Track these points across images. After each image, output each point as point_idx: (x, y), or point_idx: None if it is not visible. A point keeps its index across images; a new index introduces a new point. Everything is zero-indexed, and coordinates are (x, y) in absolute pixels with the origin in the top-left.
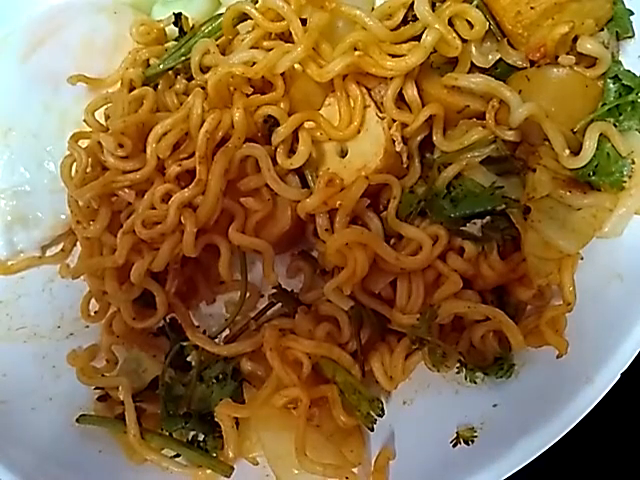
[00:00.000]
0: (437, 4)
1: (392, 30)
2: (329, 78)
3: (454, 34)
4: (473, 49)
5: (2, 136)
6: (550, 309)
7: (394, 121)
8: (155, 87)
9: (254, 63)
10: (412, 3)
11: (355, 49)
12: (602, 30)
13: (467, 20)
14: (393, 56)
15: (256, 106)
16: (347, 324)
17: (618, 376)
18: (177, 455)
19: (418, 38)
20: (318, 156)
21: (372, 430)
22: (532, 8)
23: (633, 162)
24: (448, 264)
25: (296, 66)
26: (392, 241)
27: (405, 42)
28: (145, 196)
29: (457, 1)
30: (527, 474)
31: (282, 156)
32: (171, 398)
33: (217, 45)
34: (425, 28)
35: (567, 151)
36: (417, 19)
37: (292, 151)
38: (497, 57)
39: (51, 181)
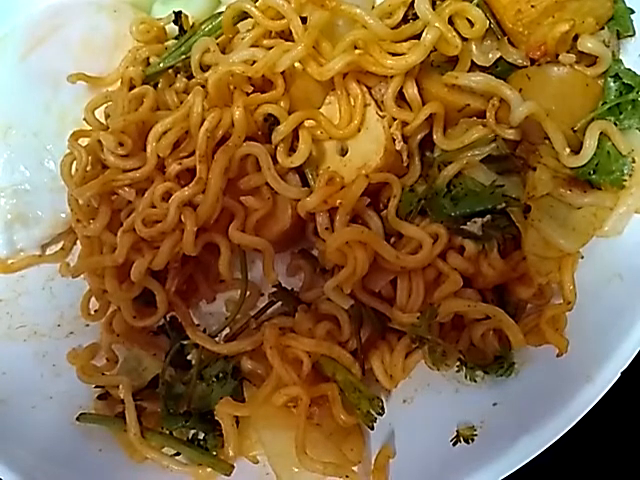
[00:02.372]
0: (437, 2)
1: (392, 28)
2: (329, 76)
3: (454, 33)
4: (473, 47)
5: (2, 135)
6: (550, 308)
7: (394, 120)
8: (155, 86)
9: (254, 62)
10: (412, 1)
11: (355, 47)
12: (603, 29)
13: (467, 19)
14: (393, 54)
15: (256, 105)
16: (347, 323)
17: (618, 375)
18: (177, 453)
19: (418, 37)
20: (318, 155)
21: (372, 429)
22: (533, 6)
23: (633, 161)
24: (448, 263)
25: (296, 65)
26: (392, 240)
27: (405, 41)
28: (145, 195)
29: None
30: (527, 473)
31: (282, 154)
32: (171, 397)
33: (217, 43)
34: (425, 26)
35: (567, 150)
36: (417, 17)
37: (292, 150)
38: (497, 55)
39: (51, 180)
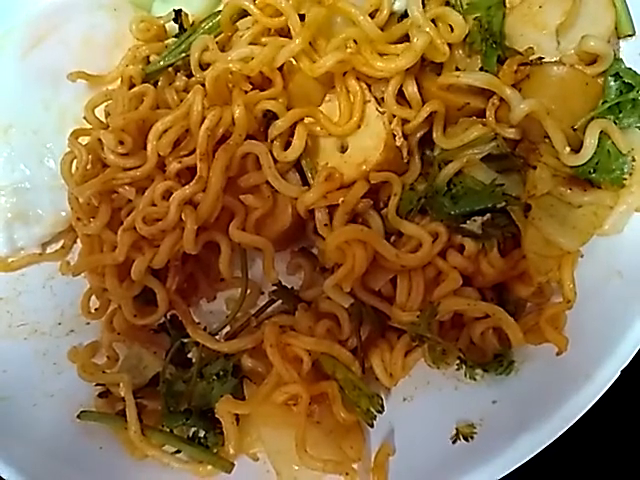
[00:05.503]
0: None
1: (385, 25)
2: (320, 73)
3: (443, 39)
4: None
5: (2, 133)
6: (550, 306)
7: (394, 116)
8: (155, 84)
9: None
10: None
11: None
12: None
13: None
14: (386, 55)
15: (255, 102)
16: (347, 321)
17: (618, 373)
18: (178, 451)
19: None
20: (318, 152)
21: (372, 426)
22: None
23: (633, 159)
24: (448, 261)
25: (295, 63)
26: (392, 238)
27: (400, 42)
28: (146, 193)
29: (439, 4)
30: (526, 471)
31: (278, 149)
32: (172, 394)
33: (217, 42)
34: (414, 28)
35: (567, 149)
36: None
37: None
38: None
39: (51, 178)
